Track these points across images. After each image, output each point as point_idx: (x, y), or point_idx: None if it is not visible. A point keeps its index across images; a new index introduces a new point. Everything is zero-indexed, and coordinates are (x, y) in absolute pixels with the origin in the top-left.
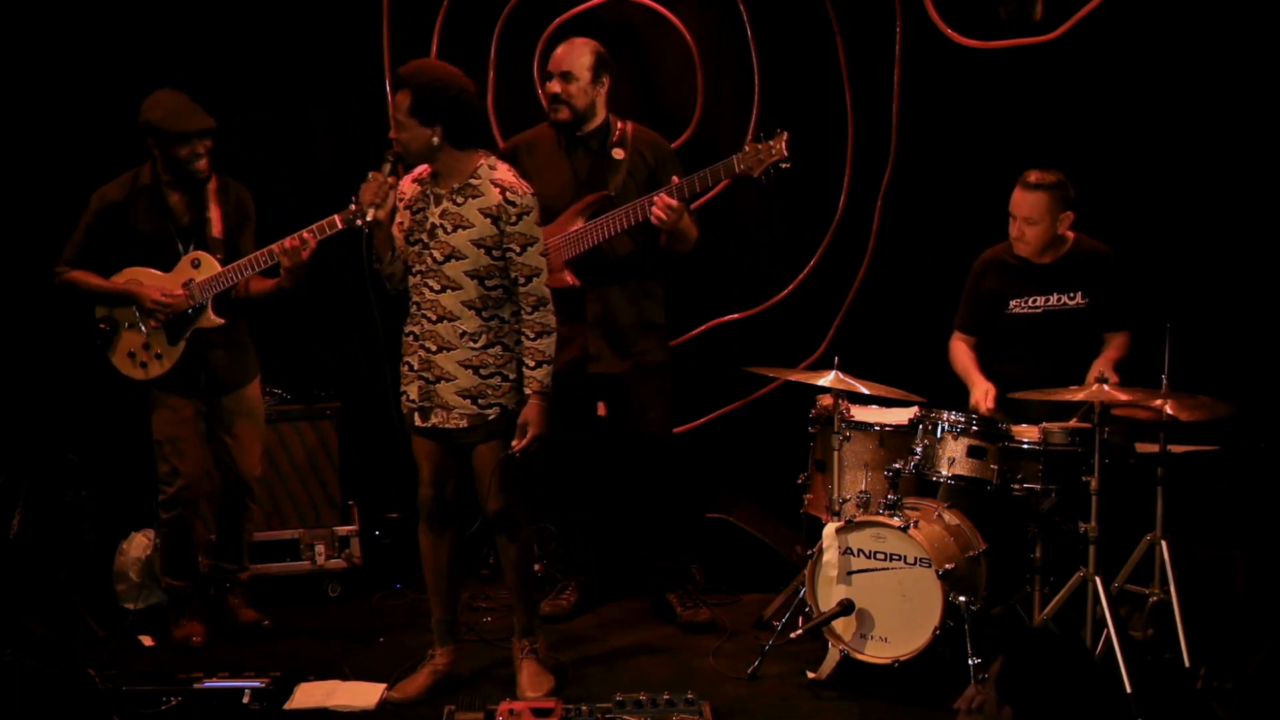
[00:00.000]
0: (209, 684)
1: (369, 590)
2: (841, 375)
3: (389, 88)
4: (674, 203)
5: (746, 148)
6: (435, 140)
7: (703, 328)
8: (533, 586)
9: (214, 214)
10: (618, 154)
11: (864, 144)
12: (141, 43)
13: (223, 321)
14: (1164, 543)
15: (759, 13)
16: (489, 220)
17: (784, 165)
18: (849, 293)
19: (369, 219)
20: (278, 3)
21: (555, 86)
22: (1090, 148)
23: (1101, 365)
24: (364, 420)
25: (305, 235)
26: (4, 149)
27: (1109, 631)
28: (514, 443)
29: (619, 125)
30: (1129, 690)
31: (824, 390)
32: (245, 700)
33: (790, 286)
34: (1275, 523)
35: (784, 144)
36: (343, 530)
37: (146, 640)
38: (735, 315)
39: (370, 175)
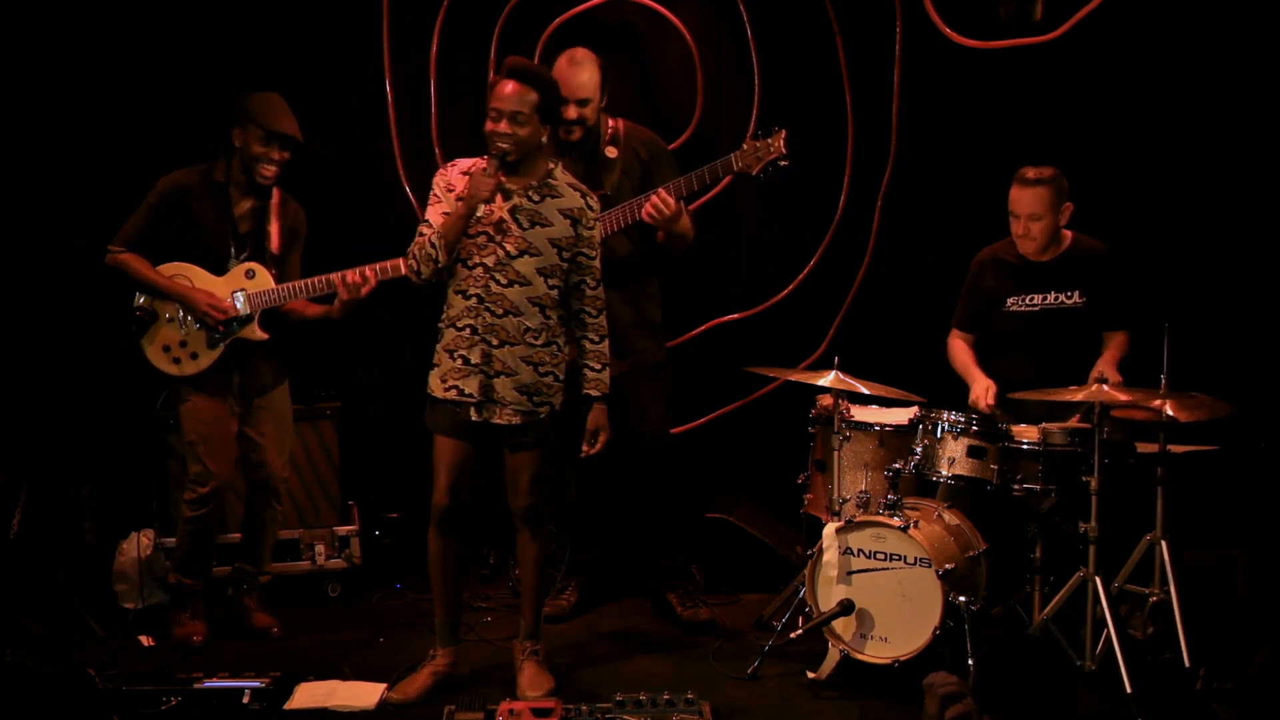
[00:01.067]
0: (209, 684)
1: (369, 590)
2: (841, 375)
3: (389, 84)
4: (670, 199)
5: (745, 145)
6: (544, 139)
7: (703, 328)
8: (545, 590)
9: (274, 228)
10: (610, 153)
11: (864, 144)
12: (140, 43)
13: (266, 337)
14: (1164, 543)
15: (759, 13)
16: (569, 221)
17: (782, 163)
18: (849, 293)
19: (480, 213)
20: (278, 3)
21: (573, 113)
22: (1090, 147)
23: (1103, 366)
24: (364, 420)
25: (368, 273)
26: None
27: (1109, 631)
28: (585, 446)
29: (610, 123)
30: (1129, 690)
31: (824, 390)
32: (245, 700)
33: (790, 286)
34: (1275, 523)
35: (782, 141)
36: (343, 530)
37: (146, 640)
38: (735, 315)
39: (486, 171)
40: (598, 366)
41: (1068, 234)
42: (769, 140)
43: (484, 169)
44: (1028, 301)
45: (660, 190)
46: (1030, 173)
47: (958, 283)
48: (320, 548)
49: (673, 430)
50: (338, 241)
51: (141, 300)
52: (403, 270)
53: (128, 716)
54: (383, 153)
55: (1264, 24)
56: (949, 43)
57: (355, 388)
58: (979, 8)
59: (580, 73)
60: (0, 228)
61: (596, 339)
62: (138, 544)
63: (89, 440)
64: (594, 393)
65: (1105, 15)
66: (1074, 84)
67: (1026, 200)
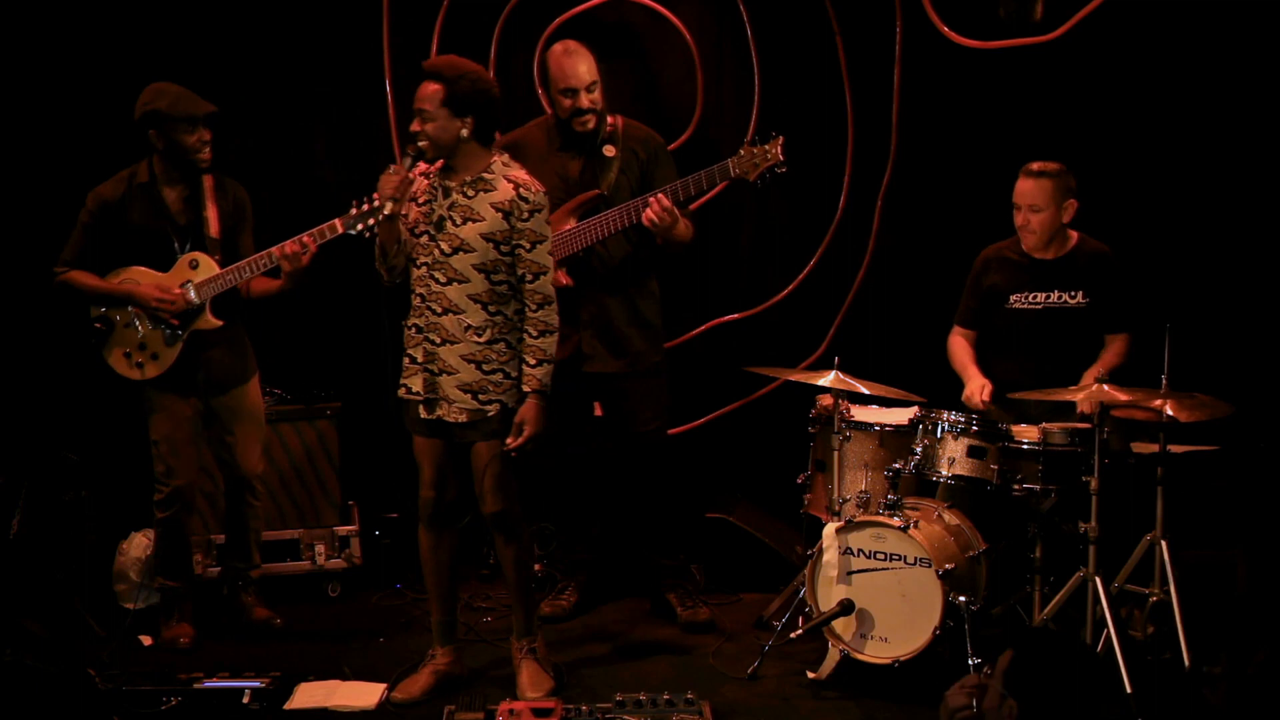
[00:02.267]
0: (209, 684)
1: (369, 590)
2: (841, 375)
3: (389, 84)
4: (669, 204)
5: (742, 151)
6: (464, 133)
7: (703, 328)
8: (532, 586)
9: (211, 213)
10: (608, 151)
11: (864, 144)
12: (141, 43)
13: (220, 324)
14: (1164, 543)
15: (759, 13)
16: (500, 215)
17: (779, 170)
18: (849, 293)
19: (387, 212)
20: (278, 3)
21: (584, 101)
22: (1090, 147)
23: (1098, 370)
24: (364, 420)
25: (305, 239)
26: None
27: (1109, 631)
28: (509, 440)
29: (609, 121)
30: (1129, 690)
31: (824, 390)
32: (245, 700)
33: (790, 286)
34: (1275, 523)
35: (779, 148)
36: (343, 530)
37: (146, 640)
38: (735, 315)
39: (391, 168)
40: (533, 362)
41: (1073, 234)
42: (766, 147)
43: (390, 168)
44: (1031, 299)
45: (660, 195)
46: (1035, 165)
47: (958, 282)
48: (320, 548)
49: (673, 430)
50: (336, 241)
51: (99, 312)
52: (339, 230)
53: (128, 716)
54: (383, 152)
55: (1264, 24)
56: (949, 43)
57: (355, 388)
58: (979, 8)
59: (580, 61)
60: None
61: (535, 334)
62: (138, 544)
63: (88, 441)
64: (526, 388)
65: (1105, 15)
66: (1074, 84)
67: (1028, 191)
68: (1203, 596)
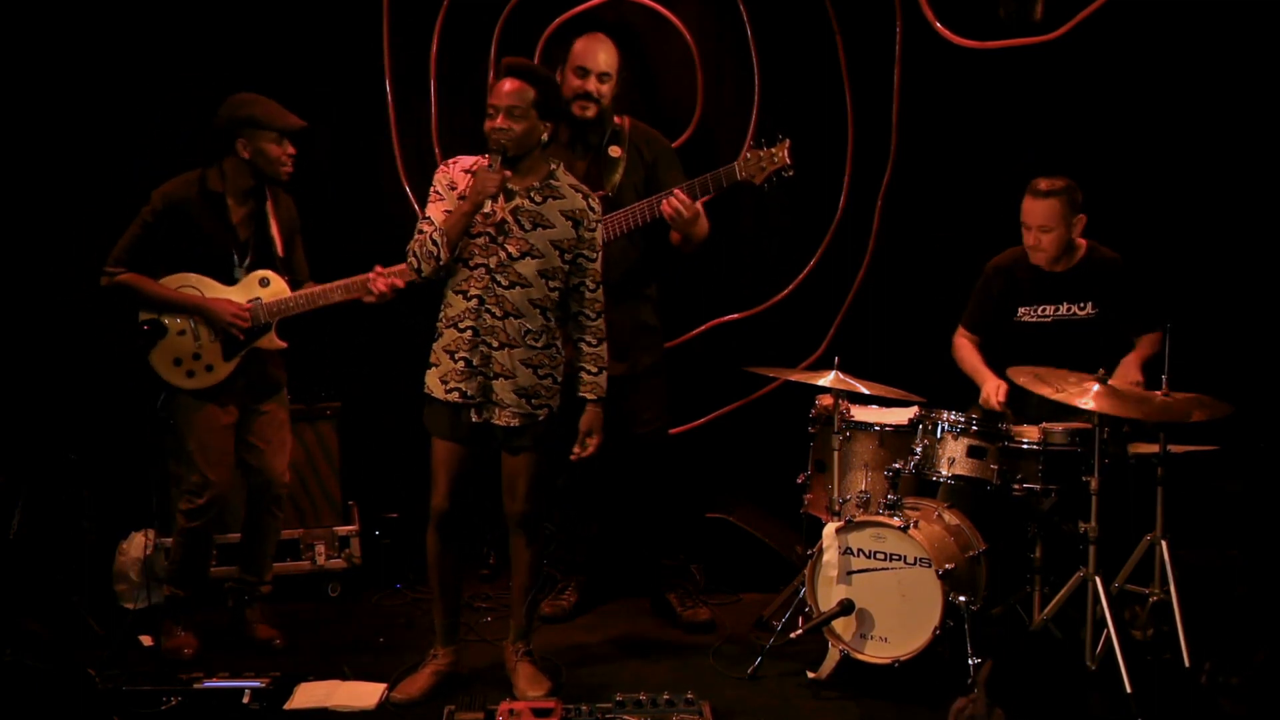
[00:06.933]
0: (209, 684)
1: (369, 590)
2: (841, 375)
3: (389, 84)
4: (687, 199)
5: (748, 154)
6: (545, 138)
7: (703, 328)
8: (540, 593)
9: (275, 232)
10: (614, 152)
11: (864, 144)
12: (139, 45)
13: (284, 345)
14: (1164, 543)
15: (759, 13)
16: (570, 223)
17: (787, 174)
18: (849, 293)
19: (486, 210)
20: (278, 3)
21: (591, 85)
22: (1090, 148)
23: (1128, 364)
24: (364, 420)
25: (398, 283)
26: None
27: (1109, 631)
28: (576, 449)
29: (615, 120)
30: (1129, 690)
31: (824, 390)
32: (245, 700)
33: (790, 286)
34: (1275, 523)
35: (786, 151)
36: (343, 530)
37: (146, 640)
38: (735, 315)
39: (492, 165)
40: (594, 370)
41: (1082, 243)
42: (772, 150)
43: (488, 164)
44: (1039, 312)
45: (678, 190)
46: (1043, 184)
47: (958, 282)
48: (320, 548)
49: (673, 431)
50: (337, 242)
51: (150, 315)
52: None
53: (128, 716)
54: (383, 153)
55: (1264, 24)
56: (949, 43)
57: (355, 388)
58: (979, 8)
59: (602, 48)
60: None
61: (594, 342)
62: (138, 544)
63: (89, 440)
64: (589, 396)
65: (1105, 15)
66: (1074, 85)
67: (1038, 212)
68: (1203, 596)
